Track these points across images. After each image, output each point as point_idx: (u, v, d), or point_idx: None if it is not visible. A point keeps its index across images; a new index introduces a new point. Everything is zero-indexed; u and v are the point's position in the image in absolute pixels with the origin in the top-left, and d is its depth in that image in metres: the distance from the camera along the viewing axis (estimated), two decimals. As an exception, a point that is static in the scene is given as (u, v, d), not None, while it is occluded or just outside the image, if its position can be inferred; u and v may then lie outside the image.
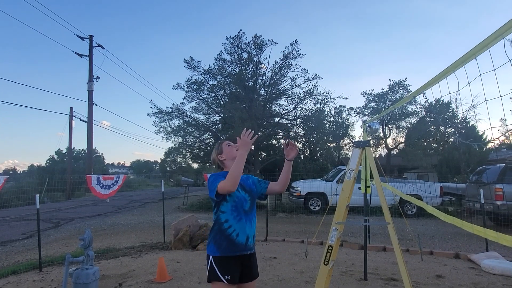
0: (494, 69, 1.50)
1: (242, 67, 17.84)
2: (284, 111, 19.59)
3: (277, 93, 18.82)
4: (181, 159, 24.90)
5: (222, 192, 2.00)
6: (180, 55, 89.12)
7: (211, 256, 2.09)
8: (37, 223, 5.30)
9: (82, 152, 34.28)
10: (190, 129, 19.42)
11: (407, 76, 47.00)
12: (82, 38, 20.71)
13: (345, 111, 22.25)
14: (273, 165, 18.53)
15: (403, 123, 21.73)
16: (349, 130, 22.66)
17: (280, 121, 19.76)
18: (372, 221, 5.62)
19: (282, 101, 19.61)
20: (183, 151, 21.30)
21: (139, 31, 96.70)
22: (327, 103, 18.98)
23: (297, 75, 18.22)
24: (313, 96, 18.50)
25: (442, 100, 18.70)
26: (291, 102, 19.21)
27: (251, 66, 17.85)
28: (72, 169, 25.55)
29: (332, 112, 21.56)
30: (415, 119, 21.31)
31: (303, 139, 20.89)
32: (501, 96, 1.54)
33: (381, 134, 21.75)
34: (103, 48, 21.31)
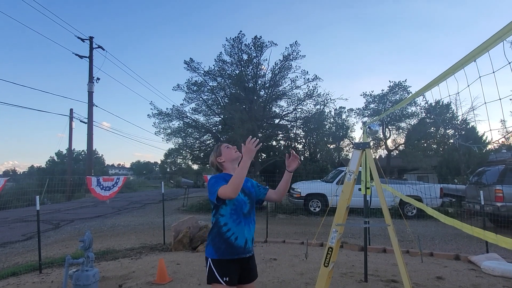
0: (493, 72, 1.50)
1: (242, 68, 17.87)
2: (284, 113, 19.64)
3: (277, 94, 18.85)
4: (181, 160, 25.01)
5: (222, 197, 1.99)
6: (180, 56, 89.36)
7: (209, 259, 2.10)
8: (37, 224, 5.30)
9: (82, 153, 34.26)
10: (190, 130, 19.45)
11: (407, 77, 47.10)
12: (83, 40, 20.74)
13: (345, 112, 22.35)
14: (273, 166, 18.54)
15: (403, 125, 21.79)
16: (349, 131, 22.76)
17: (280, 122, 19.80)
18: (372, 222, 5.62)
19: (282, 103, 19.68)
20: (183, 152, 21.35)
21: (139, 32, 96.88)
22: (327, 105, 19.06)
23: (297, 77, 18.29)
24: (313, 98, 18.56)
25: (442, 102, 18.76)
26: (291, 103, 19.27)
27: (251, 67, 17.88)
28: (72, 170, 25.55)
29: (332, 113, 21.63)
30: (415, 121, 21.37)
31: (303, 140, 20.94)
32: (500, 99, 1.54)
33: (381, 136, 21.77)
34: (103, 50, 21.36)
